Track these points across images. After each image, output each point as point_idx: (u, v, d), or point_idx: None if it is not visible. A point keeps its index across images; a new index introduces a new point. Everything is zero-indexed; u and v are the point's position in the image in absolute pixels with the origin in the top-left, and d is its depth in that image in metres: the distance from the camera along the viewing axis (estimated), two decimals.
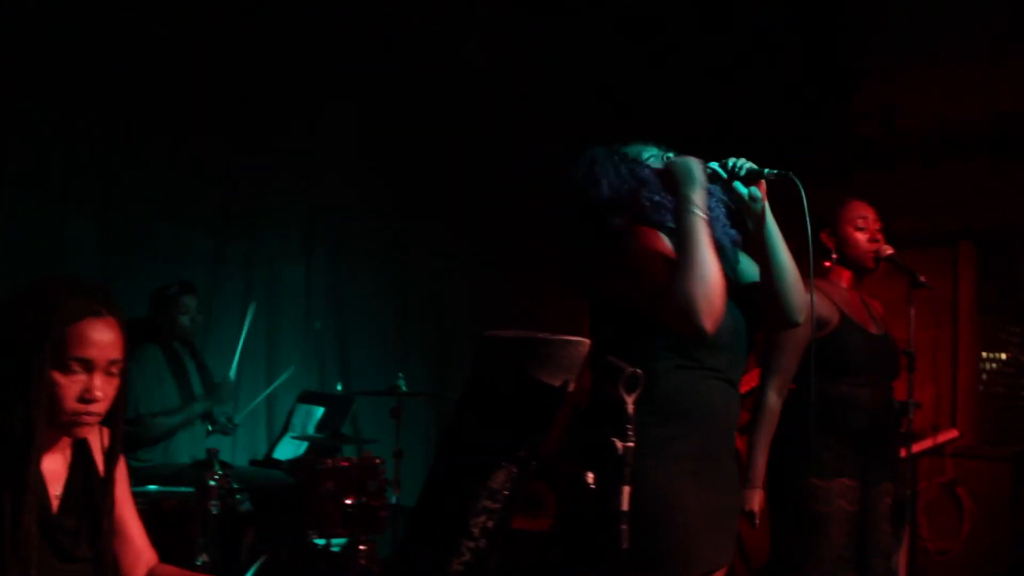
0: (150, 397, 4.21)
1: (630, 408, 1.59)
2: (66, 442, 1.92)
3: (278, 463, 4.61)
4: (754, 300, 2.26)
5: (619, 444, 1.57)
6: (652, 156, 2.31)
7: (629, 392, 1.59)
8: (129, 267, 4.68)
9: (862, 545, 3.04)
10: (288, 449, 4.72)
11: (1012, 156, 5.07)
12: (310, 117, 5.36)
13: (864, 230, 3.17)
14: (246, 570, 3.71)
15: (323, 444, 4.42)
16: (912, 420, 3.31)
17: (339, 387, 4.57)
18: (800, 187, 2.13)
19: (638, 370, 1.62)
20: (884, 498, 3.13)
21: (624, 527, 1.62)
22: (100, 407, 1.85)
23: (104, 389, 1.84)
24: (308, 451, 4.55)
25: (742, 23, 5.08)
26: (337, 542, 3.98)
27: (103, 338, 1.83)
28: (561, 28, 5.26)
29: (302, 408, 4.84)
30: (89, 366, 1.82)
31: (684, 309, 2.01)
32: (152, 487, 3.77)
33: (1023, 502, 4.97)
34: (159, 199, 4.84)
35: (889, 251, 3.18)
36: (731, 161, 2.22)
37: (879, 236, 3.19)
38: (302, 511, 3.91)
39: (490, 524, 1.55)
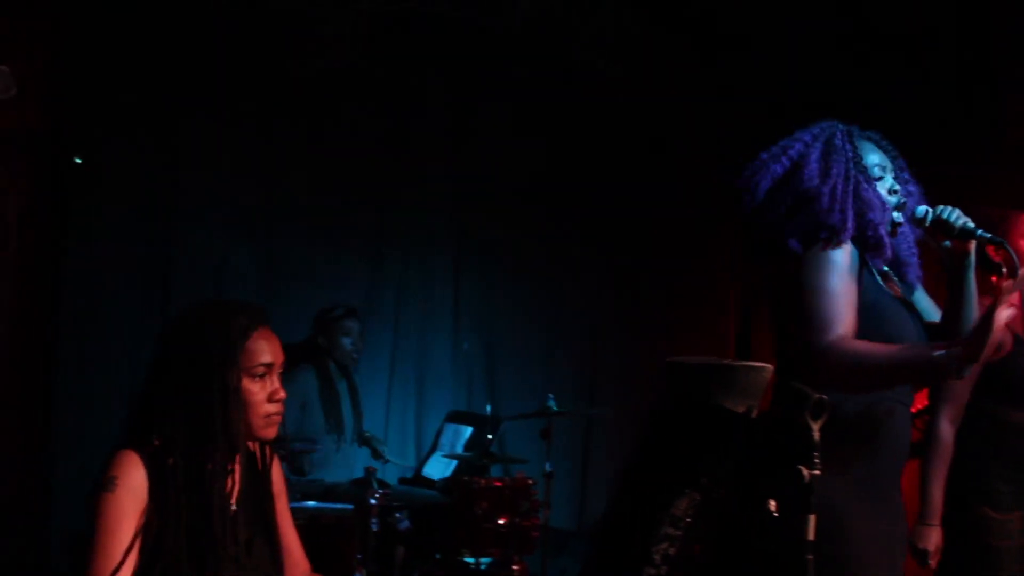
0: (294, 420, 4.31)
1: (816, 435, 1.55)
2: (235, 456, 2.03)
3: (427, 481, 4.69)
4: (930, 338, 2.14)
5: (805, 472, 1.54)
6: (877, 167, 2.16)
7: (815, 419, 1.56)
8: (287, 293, 4.89)
9: None
10: (436, 468, 4.79)
11: None
12: (459, 140, 5.47)
13: None
14: None
15: (472, 463, 4.48)
16: None
17: (488, 408, 4.62)
18: (1015, 259, 2.07)
19: (824, 396, 1.58)
20: None
21: (810, 557, 1.58)
22: (283, 405, 2.01)
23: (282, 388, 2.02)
24: (457, 470, 4.62)
25: (889, 24, 4.91)
26: (485, 561, 4.02)
27: (275, 344, 2.01)
28: (707, 38, 5.21)
29: (450, 427, 4.91)
30: (271, 368, 1.99)
31: (823, 376, 1.82)
32: (310, 503, 3.90)
33: None
34: (314, 226, 5.04)
35: None
36: (945, 212, 2.09)
37: None
38: (456, 530, 3.97)
39: (672, 551, 1.54)
